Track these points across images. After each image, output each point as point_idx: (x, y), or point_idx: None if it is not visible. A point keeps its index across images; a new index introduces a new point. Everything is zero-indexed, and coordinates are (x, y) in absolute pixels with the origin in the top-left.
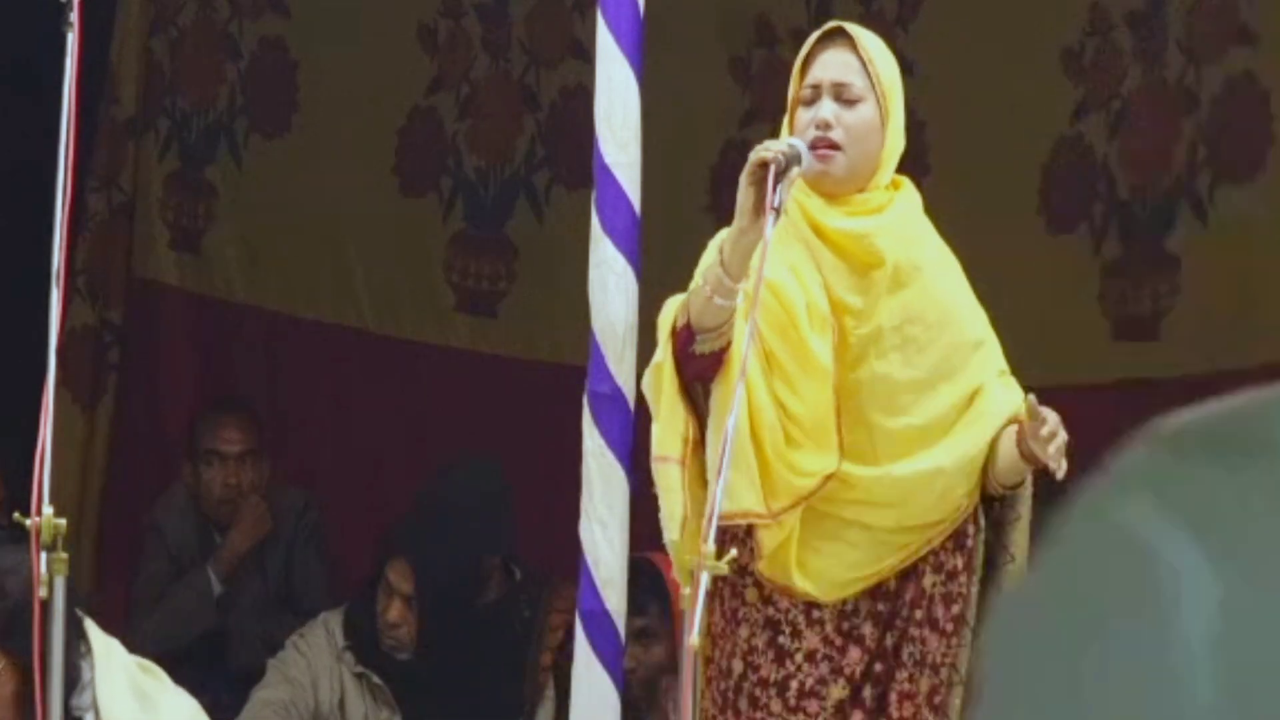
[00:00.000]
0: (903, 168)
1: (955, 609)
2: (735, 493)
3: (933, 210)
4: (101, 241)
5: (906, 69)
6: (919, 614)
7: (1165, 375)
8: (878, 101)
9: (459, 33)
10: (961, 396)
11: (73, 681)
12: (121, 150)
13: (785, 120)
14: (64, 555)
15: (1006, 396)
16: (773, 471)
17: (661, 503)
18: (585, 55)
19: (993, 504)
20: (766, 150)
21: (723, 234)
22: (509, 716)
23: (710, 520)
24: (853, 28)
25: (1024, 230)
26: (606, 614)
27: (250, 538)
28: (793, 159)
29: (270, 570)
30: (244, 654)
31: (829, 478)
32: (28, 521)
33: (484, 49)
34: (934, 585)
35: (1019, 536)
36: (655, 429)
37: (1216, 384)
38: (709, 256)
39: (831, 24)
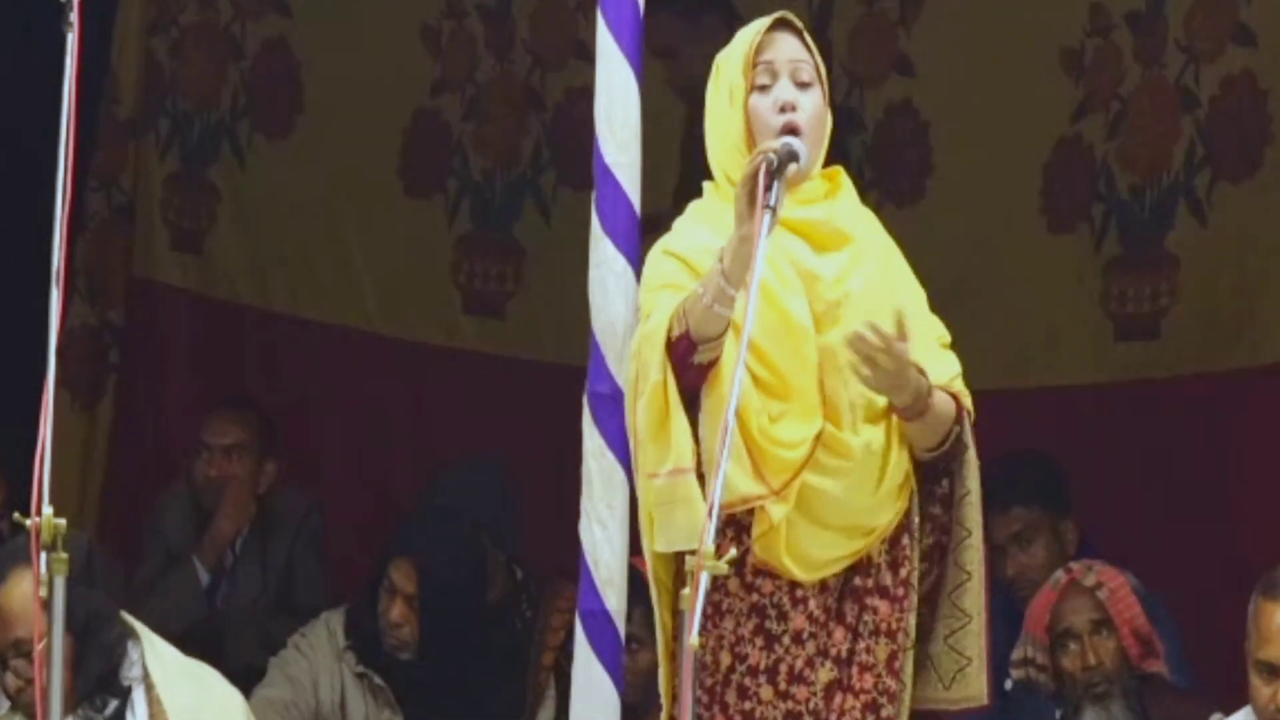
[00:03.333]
0: (908, 167)
1: (903, 573)
2: (729, 483)
3: (938, 210)
4: (101, 241)
5: (909, 69)
6: (870, 582)
7: (1165, 375)
8: (822, 90)
9: (461, 34)
10: None
11: (118, 655)
12: (121, 150)
13: (738, 112)
14: (64, 555)
15: (937, 368)
16: (763, 451)
17: (675, 516)
18: (589, 56)
19: (940, 481)
20: (763, 154)
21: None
22: (510, 716)
23: (709, 519)
24: (793, 17)
25: (1026, 229)
26: (606, 614)
27: (234, 522)
28: (788, 157)
29: (270, 571)
30: (241, 654)
31: (818, 438)
32: (28, 521)
33: (488, 50)
34: (879, 553)
35: (971, 512)
36: (656, 448)
37: (1216, 384)
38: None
39: (779, 14)
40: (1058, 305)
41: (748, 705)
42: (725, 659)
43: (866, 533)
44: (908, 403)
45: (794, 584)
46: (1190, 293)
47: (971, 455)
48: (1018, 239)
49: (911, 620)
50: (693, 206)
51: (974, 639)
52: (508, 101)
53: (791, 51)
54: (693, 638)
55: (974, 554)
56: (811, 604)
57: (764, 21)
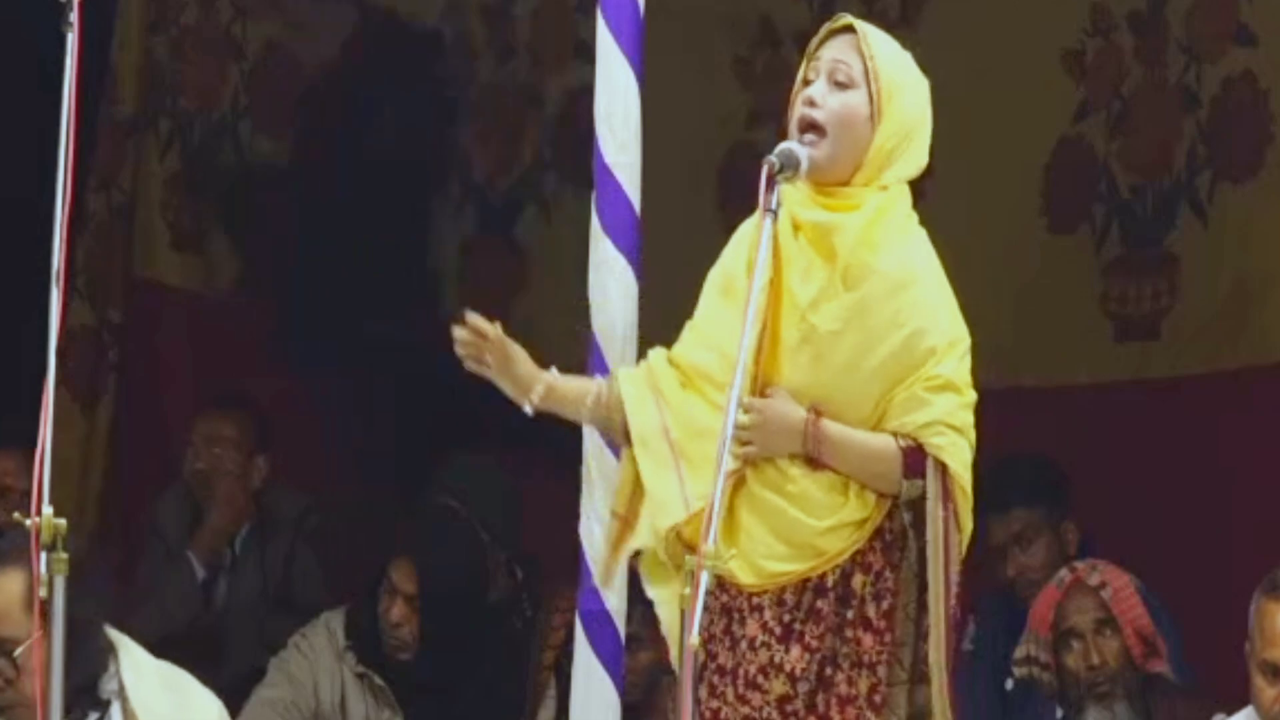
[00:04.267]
0: None
1: (885, 604)
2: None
3: (936, 210)
4: (101, 241)
5: None
6: (851, 614)
7: (1165, 375)
8: (870, 96)
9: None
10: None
11: (99, 667)
12: (121, 150)
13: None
14: (64, 555)
15: (911, 415)
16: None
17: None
18: (589, 56)
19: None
20: (766, 160)
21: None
22: (510, 716)
23: (710, 517)
24: (862, 25)
25: (1026, 230)
26: (606, 614)
27: (226, 516)
28: (789, 163)
29: (269, 569)
30: (240, 655)
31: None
32: (28, 521)
33: (489, 51)
34: (863, 585)
35: (932, 565)
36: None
37: (1216, 384)
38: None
39: (844, 18)
40: (1058, 305)
41: (715, 704)
42: (700, 655)
43: (817, 554)
44: (798, 451)
45: (751, 592)
46: (1191, 293)
47: (930, 508)
48: (1019, 239)
49: (906, 654)
50: None
51: (936, 695)
52: (508, 102)
53: (836, 52)
54: (693, 637)
55: (934, 606)
56: (766, 614)
57: (828, 25)
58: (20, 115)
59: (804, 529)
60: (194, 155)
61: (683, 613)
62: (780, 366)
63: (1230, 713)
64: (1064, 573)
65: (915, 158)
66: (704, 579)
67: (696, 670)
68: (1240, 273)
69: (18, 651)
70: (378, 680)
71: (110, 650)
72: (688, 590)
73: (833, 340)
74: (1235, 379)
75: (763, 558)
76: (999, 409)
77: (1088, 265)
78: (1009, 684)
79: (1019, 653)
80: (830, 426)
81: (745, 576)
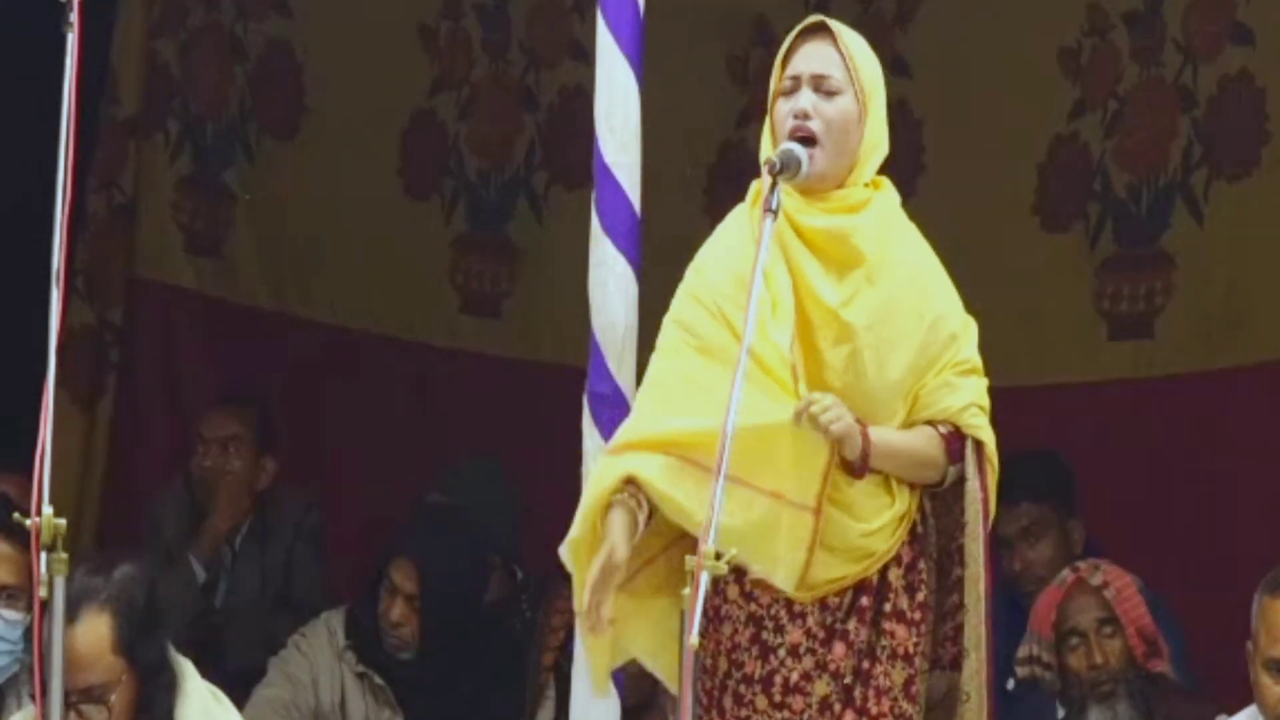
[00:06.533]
0: (899, 166)
1: (919, 596)
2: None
3: (928, 209)
4: (101, 241)
5: (904, 69)
6: (888, 607)
7: (1159, 374)
8: (856, 96)
9: (459, 34)
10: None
11: (175, 695)
12: (121, 150)
13: (767, 114)
14: (64, 555)
15: (944, 401)
16: None
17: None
18: (584, 56)
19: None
20: (767, 161)
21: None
22: (510, 717)
23: (709, 519)
24: (834, 23)
25: (1019, 229)
26: None
27: (228, 517)
28: (790, 163)
29: (269, 569)
30: (241, 654)
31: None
32: (28, 522)
33: (484, 50)
34: (897, 578)
35: (970, 544)
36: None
37: (1210, 383)
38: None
39: (814, 18)
40: (1052, 304)
41: (744, 713)
42: (723, 664)
43: (867, 555)
44: (850, 458)
45: (792, 599)
46: (1185, 291)
47: (971, 488)
48: (1012, 237)
49: (928, 644)
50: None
51: (972, 675)
52: (502, 101)
53: (817, 64)
54: (692, 637)
55: (972, 586)
56: (810, 620)
57: (799, 27)
58: (20, 115)
59: (853, 533)
60: (206, 158)
61: (682, 613)
62: (817, 373)
63: (1231, 713)
64: (1066, 573)
65: (885, 141)
66: (703, 580)
67: (697, 671)
68: (1235, 272)
69: (112, 697)
70: (378, 680)
71: (175, 684)
72: (687, 591)
73: (867, 336)
74: (1230, 378)
75: (812, 568)
76: (992, 407)
77: (1082, 264)
78: (1010, 684)
79: (1021, 653)
80: (877, 433)
81: (798, 590)
